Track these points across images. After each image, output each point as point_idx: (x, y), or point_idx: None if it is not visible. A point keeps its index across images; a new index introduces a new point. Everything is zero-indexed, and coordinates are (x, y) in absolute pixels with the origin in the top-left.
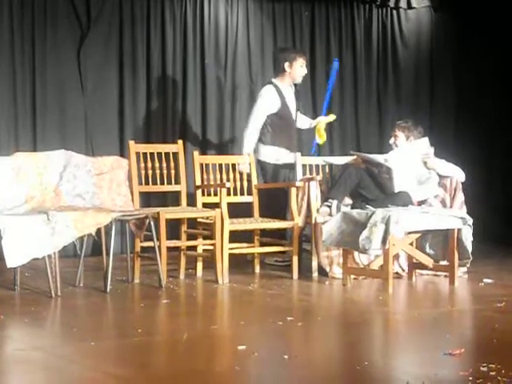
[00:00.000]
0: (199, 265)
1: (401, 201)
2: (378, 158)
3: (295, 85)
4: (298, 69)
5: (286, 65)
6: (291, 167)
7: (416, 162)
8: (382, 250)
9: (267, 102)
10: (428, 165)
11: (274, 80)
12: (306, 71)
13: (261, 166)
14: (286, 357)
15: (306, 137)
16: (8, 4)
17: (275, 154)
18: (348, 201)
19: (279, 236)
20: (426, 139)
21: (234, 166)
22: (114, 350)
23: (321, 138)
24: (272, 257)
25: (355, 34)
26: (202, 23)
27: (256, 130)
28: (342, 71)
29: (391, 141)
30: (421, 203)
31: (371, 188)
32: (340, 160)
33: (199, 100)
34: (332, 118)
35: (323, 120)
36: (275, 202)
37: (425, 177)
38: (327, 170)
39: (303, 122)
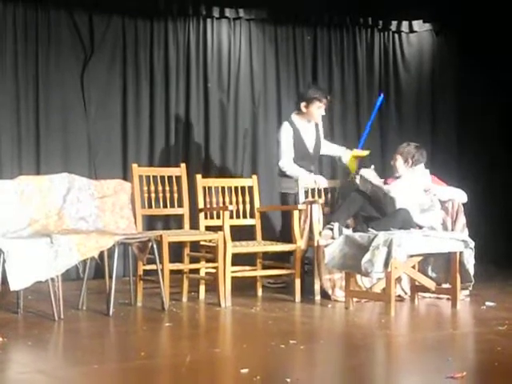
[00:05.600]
0: (202, 288)
1: (400, 217)
2: (384, 188)
3: None
4: (313, 110)
5: (303, 105)
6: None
7: (418, 191)
8: (385, 273)
9: (287, 135)
10: (430, 192)
11: (292, 116)
12: (323, 113)
13: (282, 198)
14: (288, 380)
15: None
16: (12, 27)
17: (292, 184)
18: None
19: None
20: (422, 166)
21: (236, 188)
22: (117, 373)
23: (351, 170)
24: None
25: (357, 58)
26: (204, 47)
27: (290, 157)
28: (345, 95)
29: (392, 162)
30: (422, 226)
31: (373, 213)
32: (375, 178)
33: (202, 123)
34: (366, 153)
35: (357, 153)
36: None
37: (427, 205)
38: (329, 193)
39: (333, 150)
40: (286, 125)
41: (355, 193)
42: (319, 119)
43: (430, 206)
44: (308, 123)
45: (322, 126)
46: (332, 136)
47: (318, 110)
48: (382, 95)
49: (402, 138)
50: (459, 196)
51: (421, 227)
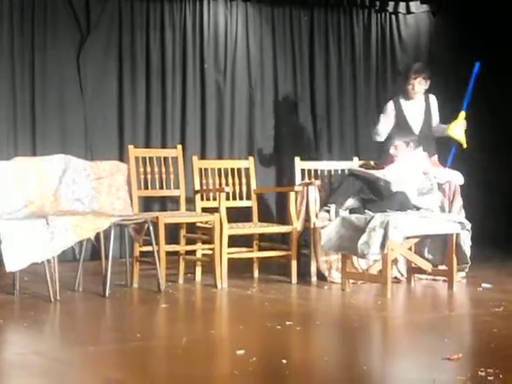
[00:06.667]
0: (198, 269)
1: (398, 199)
2: (376, 174)
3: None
4: (408, 88)
5: (402, 84)
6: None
7: (416, 174)
8: (381, 255)
9: (385, 109)
10: (429, 175)
11: (400, 96)
12: (419, 89)
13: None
14: (284, 361)
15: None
16: (8, 9)
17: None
18: (347, 203)
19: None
20: (420, 149)
21: (232, 170)
22: (113, 354)
23: (461, 142)
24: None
25: (354, 39)
26: (201, 28)
27: (382, 126)
28: (342, 77)
29: (391, 150)
30: (419, 208)
31: (372, 196)
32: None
33: (198, 105)
34: (462, 115)
35: (453, 126)
36: None
37: (427, 188)
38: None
39: (442, 129)
40: (389, 103)
41: (353, 177)
42: (415, 96)
43: (430, 189)
44: (412, 103)
45: (435, 108)
46: (328, 116)
47: (410, 87)
48: (478, 64)
49: None
50: (456, 178)
51: (418, 209)
